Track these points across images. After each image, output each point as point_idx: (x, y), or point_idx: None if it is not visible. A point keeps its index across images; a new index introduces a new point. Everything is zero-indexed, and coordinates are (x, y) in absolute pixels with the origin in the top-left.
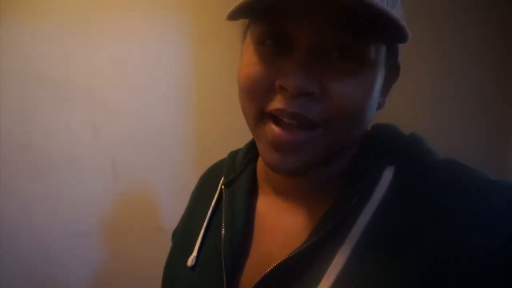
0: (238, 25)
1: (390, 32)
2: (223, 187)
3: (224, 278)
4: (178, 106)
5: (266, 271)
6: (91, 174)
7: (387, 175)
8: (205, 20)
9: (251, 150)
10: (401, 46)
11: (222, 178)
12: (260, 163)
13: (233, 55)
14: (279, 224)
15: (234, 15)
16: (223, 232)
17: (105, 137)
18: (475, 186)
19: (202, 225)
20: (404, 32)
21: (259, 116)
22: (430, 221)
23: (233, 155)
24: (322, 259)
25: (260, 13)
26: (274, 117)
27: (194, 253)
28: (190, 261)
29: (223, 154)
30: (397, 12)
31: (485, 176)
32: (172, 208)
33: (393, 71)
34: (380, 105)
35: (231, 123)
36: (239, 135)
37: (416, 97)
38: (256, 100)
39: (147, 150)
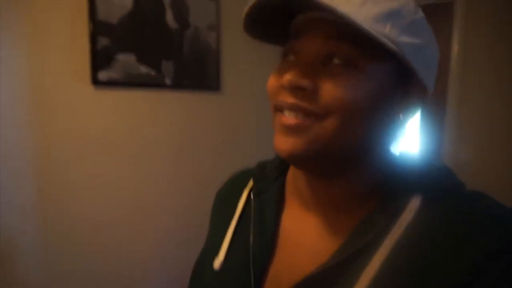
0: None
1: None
2: (252, 196)
3: (252, 286)
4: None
5: (296, 282)
6: None
7: (415, 202)
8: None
9: (283, 163)
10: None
11: (249, 187)
12: (290, 176)
13: None
14: (306, 237)
15: (263, 39)
16: (251, 239)
17: None
18: (504, 226)
19: (228, 230)
20: (393, 50)
21: (274, 110)
22: (454, 254)
23: (262, 165)
24: (349, 274)
25: (281, 39)
26: (282, 111)
27: (221, 257)
28: (217, 264)
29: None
30: (408, 38)
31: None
32: None
33: (416, 93)
34: (400, 123)
35: None
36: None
37: None
38: (272, 97)
39: None
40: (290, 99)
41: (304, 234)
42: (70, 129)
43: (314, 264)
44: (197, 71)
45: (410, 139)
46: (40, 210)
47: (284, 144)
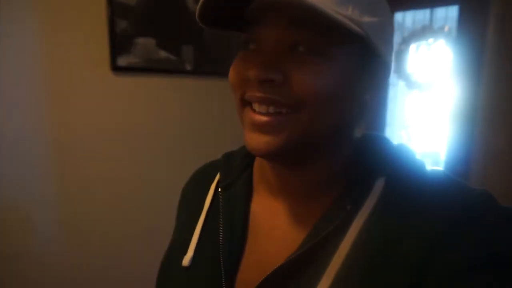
0: None
1: (355, 35)
2: (219, 190)
3: (223, 280)
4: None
5: (267, 274)
6: None
7: (379, 185)
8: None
9: (249, 154)
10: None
11: (216, 180)
12: (256, 166)
13: None
14: (275, 226)
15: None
16: (221, 236)
17: None
18: (459, 200)
19: (196, 225)
20: (357, 32)
21: (240, 104)
22: (416, 230)
23: (228, 157)
24: (319, 261)
25: (238, 25)
26: (251, 105)
27: (190, 254)
28: (186, 261)
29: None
30: (368, 18)
31: (467, 188)
32: None
33: (379, 71)
34: (367, 104)
35: None
36: None
37: None
38: (237, 91)
39: None
40: (258, 93)
41: (274, 224)
42: (89, 117)
43: (285, 254)
44: (218, 56)
45: (442, 128)
46: (59, 199)
47: (258, 143)
